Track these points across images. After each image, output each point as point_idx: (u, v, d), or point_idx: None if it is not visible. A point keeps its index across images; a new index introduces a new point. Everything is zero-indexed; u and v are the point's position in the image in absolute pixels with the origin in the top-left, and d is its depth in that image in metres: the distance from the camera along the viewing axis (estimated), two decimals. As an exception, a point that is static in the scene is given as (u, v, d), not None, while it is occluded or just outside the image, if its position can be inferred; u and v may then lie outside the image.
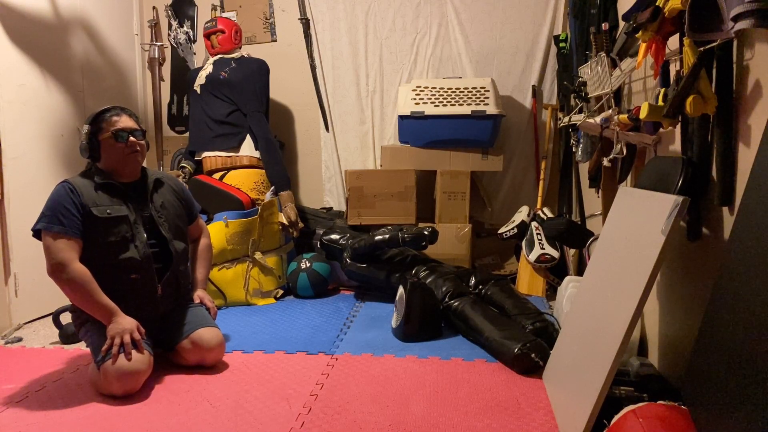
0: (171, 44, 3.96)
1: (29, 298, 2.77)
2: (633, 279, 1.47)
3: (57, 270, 1.92)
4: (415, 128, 3.32)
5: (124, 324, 1.94)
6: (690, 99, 1.39)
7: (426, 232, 2.87)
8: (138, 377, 1.90)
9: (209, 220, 2.97)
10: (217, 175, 3.32)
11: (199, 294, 2.32)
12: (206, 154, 3.37)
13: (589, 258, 2.56)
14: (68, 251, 1.93)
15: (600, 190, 2.47)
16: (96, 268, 1.97)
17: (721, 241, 1.49)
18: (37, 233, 1.98)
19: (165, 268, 2.13)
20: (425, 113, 3.27)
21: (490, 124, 3.22)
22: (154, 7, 3.92)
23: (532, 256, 3.03)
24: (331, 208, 3.80)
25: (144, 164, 3.97)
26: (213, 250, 2.54)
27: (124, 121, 2.07)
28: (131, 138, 2.06)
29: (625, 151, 2.07)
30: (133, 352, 1.91)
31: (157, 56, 3.92)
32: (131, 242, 2.03)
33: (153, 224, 2.11)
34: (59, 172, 2.99)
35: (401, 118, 3.33)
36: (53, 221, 1.93)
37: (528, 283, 3.08)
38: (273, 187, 3.28)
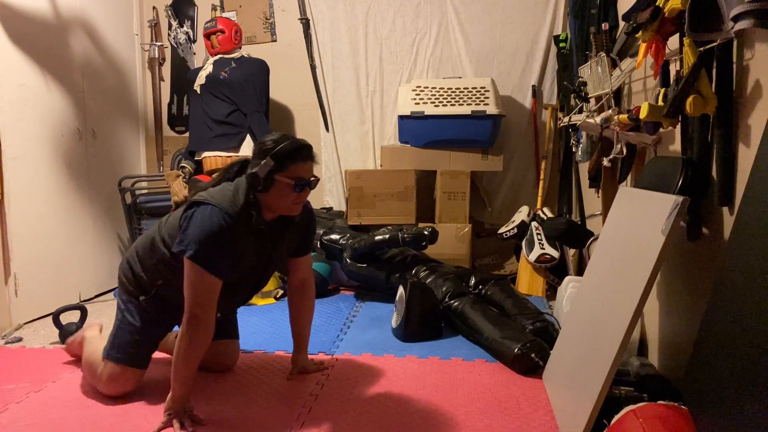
0: (171, 44, 3.96)
1: (29, 298, 2.77)
2: (633, 279, 1.47)
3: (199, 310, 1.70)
4: (415, 128, 3.32)
5: (186, 406, 1.74)
6: (690, 99, 1.39)
7: (426, 232, 2.87)
8: (127, 391, 1.89)
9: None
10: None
11: (319, 367, 2.11)
12: (206, 154, 3.37)
13: (589, 258, 2.56)
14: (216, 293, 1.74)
15: (600, 190, 2.47)
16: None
17: (721, 241, 1.49)
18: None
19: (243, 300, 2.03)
20: (425, 113, 3.27)
21: (490, 124, 3.22)
22: (154, 7, 3.92)
23: (532, 256, 3.03)
24: (331, 208, 3.80)
25: (144, 164, 3.99)
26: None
27: (309, 170, 1.78)
28: (307, 188, 1.79)
29: (625, 151, 2.07)
30: (131, 370, 1.87)
31: (157, 56, 3.92)
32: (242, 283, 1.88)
33: (268, 263, 1.92)
34: (59, 172, 3.00)
35: (401, 118, 3.33)
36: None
37: (528, 283, 3.08)
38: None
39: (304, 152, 1.77)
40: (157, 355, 2.08)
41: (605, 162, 2.21)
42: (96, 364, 1.91)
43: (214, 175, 2.08)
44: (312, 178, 1.79)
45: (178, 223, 1.76)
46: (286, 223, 1.87)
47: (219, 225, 1.67)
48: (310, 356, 2.14)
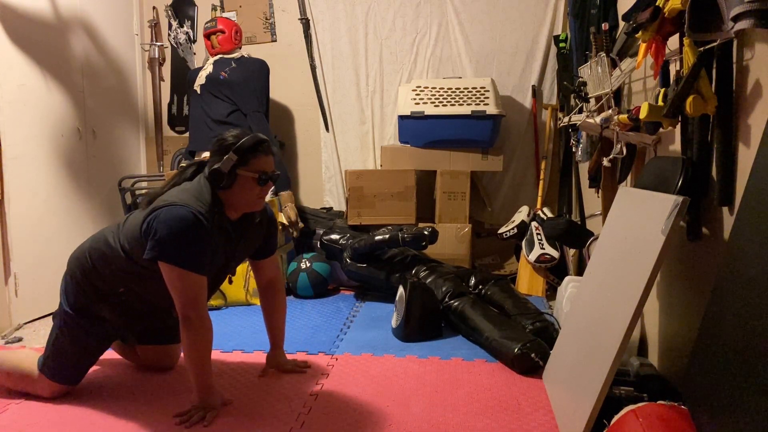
0: (171, 44, 3.96)
1: (29, 298, 2.77)
2: (633, 279, 1.48)
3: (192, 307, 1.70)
4: (415, 128, 3.32)
5: (217, 402, 1.78)
6: (690, 99, 1.39)
7: (426, 232, 2.87)
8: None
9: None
10: (217, 175, 3.32)
11: (298, 365, 2.10)
12: (206, 154, 3.35)
13: (589, 258, 2.56)
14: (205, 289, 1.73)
15: (600, 190, 2.47)
16: (146, 285, 1.80)
17: (721, 241, 1.49)
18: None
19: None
20: (425, 113, 3.27)
21: (490, 124, 3.22)
22: (154, 7, 3.92)
23: (532, 256, 3.03)
24: (331, 208, 3.80)
25: (144, 164, 3.99)
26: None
27: (270, 164, 1.81)
28: (269, 182, 1.81)
29: (625, 151, 2.07)
30: (61, 386, 1.87)
31: (157, 56, 3.92)
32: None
33: (228, 264, 1.92)
34: (59, 172, 3.00)
35: (401, 118, 3.33)
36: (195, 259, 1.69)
37: (528, 283, 3.08)
38: (273, 187, 3.28)
39: (264, 146, 1.80)
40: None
41: (605, 162, 2.20)
42: (31, 372, 1.86)
43: (166, 180, 2.06)
44: (274, 173, 1.82)
45: (139, 231, 1.70)
46: (247, 224, 1.87)
47: (189, 222, 1.64)
48: (310, 356, 2.16)
